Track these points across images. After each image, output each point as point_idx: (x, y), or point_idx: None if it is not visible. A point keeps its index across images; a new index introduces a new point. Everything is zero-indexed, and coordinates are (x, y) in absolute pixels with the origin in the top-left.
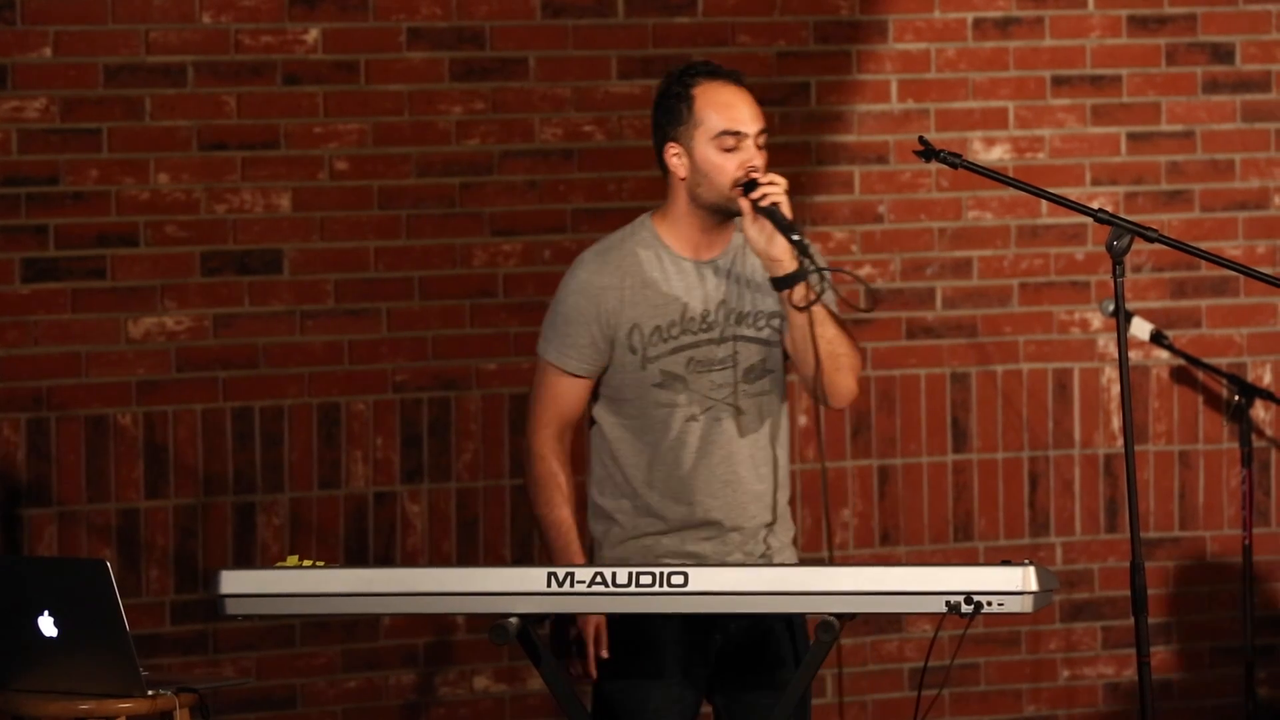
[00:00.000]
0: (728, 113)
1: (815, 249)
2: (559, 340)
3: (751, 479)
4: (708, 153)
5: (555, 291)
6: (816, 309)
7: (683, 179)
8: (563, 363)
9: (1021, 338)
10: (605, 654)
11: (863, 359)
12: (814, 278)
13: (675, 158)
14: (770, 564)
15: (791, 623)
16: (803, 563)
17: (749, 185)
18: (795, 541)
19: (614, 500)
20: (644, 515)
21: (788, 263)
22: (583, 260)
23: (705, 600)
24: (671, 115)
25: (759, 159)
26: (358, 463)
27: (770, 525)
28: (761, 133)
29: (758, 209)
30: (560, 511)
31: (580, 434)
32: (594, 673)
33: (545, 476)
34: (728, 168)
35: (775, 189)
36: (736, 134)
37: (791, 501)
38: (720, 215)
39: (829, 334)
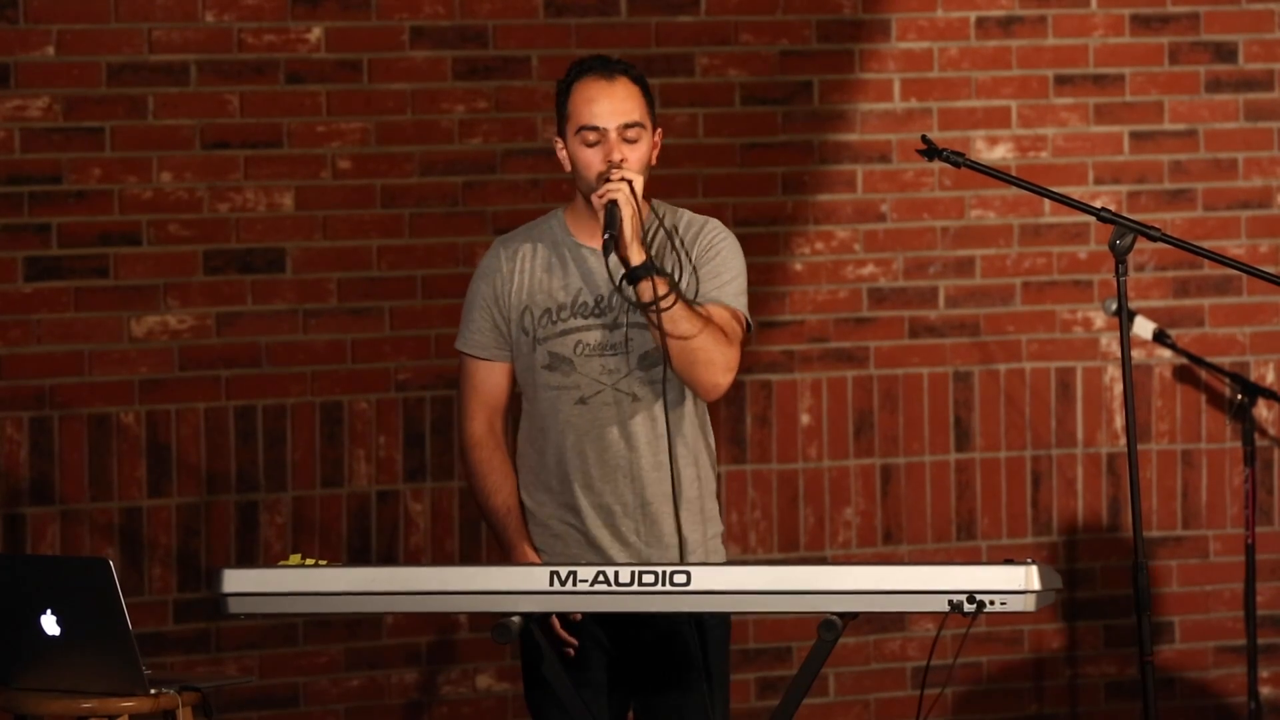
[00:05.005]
0: (587, 108)
1: (675, 247)
2: (466, 329)
3: (648, 465)
4: (574, 147)
5: None
6: (667, 304)
7: (569, 172)
8: (472, 349)
9: (1024, 337)
10: (578, 616)
11: (733, 353)
12: (673, 273)
13: (561, 152)
14: (687, 560)
15: (702, 622)
16: (803, 562)
17: (602, 180)
18: (723, 539)
19: (523, 491)
20: (549, 502)
21: (633, 259)
22: (493, 247)
23: (708, 599)
24: (557, 112)
25: (621, 153)
26: (360, 461)
27: (678, 514)
28: (629, 126)
29: (604, 206)
30: (496, 499)
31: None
32: (574, 641)
33: (479, 464)
34: (592, 162)
35: (614, 186)
36: (594, 129)
37: (794, 500)
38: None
39: (680, 329)
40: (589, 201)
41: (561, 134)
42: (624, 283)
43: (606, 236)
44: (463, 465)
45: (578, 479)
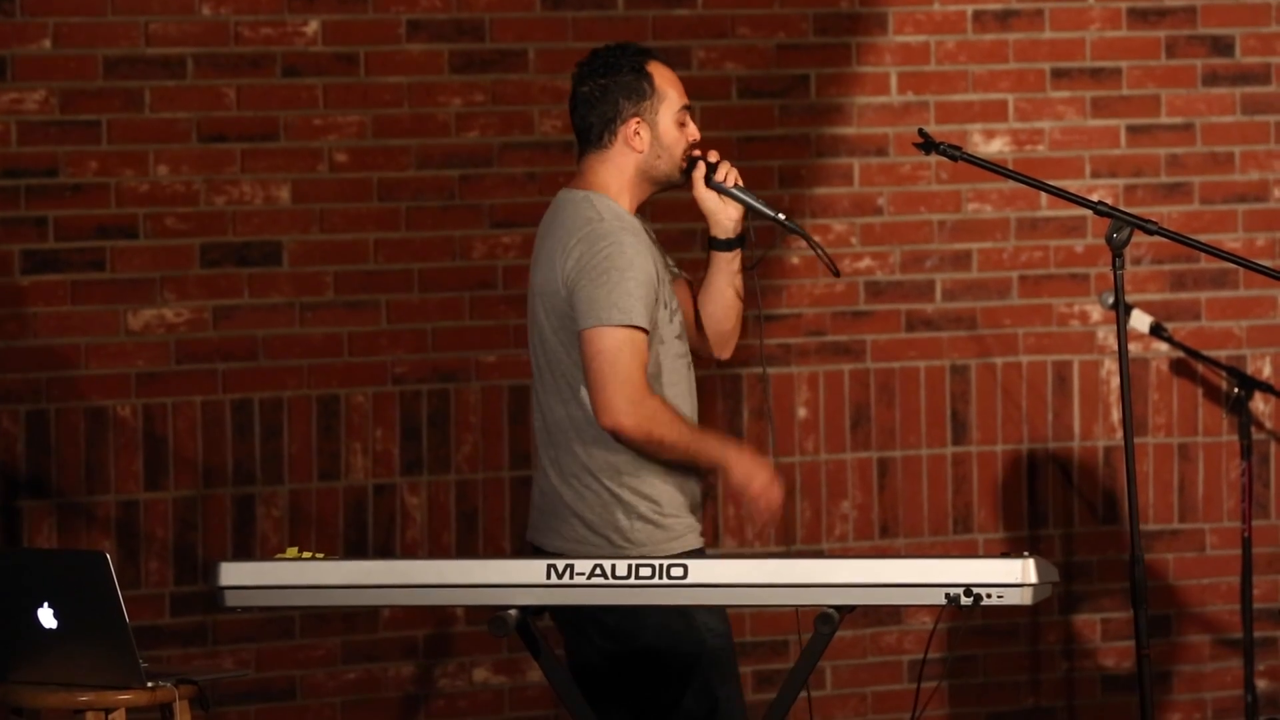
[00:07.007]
0: (678, 89)
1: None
2: (640, 305)
3: None
4: (669, 127)
5: (602, 263)
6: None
7: (639, 152)
8: (646, 323)
9: (1021, 330)
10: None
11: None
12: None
13: (637, 134)
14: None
15: None
16: (800, 555)
17: (711, 167)
18: None
19: (644, 478)
20: (671, 476)
21: (737, 226)
22: (620, 227)
23: (704, 593)
24: (635, 92)
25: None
26: (357, 455)
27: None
28: None
29: (723, 190)
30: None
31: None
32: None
33: (666, 402)
34: (683, 140)
35: (730, 169)
36: (689, 108)
37: (790, 493)
38: (660, 186)
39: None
40: (658, 181)
41: (639, 115)
42: (731, 244)
43: (785, 219)
44: (654, 429)
45: None
